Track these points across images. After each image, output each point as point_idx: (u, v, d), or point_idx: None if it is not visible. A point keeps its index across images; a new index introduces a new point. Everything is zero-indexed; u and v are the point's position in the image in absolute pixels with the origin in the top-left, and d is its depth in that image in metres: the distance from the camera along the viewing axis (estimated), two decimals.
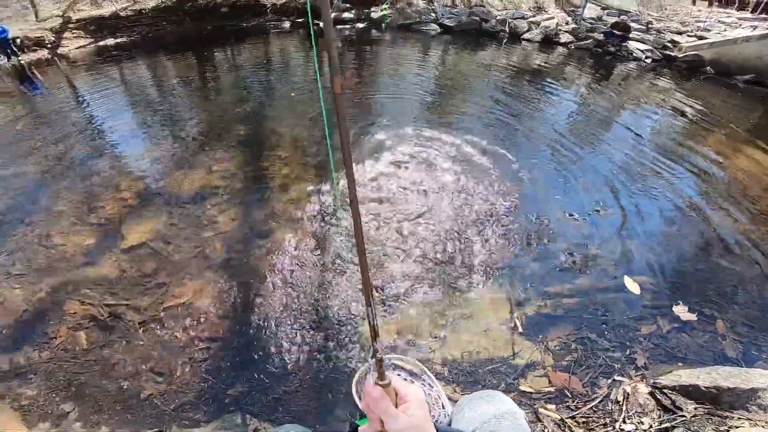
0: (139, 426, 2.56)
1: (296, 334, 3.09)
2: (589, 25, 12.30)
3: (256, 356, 2.94)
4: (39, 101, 8.76)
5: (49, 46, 12.39)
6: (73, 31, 13.08)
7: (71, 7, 13.72)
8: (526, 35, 12.34)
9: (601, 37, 11.69)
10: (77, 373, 2.89)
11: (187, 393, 2.72)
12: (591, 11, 13.37)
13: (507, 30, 12.67)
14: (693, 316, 3.26)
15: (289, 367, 2.87)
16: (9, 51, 11.49)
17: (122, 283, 3.51)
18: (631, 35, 11.47)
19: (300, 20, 13.71)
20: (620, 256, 3.88)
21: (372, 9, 13.51)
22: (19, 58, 11.62)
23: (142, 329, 3.12)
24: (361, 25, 13.12)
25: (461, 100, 7.38)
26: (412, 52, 10.73)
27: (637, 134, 6.38)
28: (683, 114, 7.37)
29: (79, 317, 3.24)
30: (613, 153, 5.78)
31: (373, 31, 12.77)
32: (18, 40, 11.77)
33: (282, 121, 6.36)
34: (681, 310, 3.31)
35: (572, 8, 13.93)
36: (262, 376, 2.82)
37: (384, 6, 13.61)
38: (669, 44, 11.20)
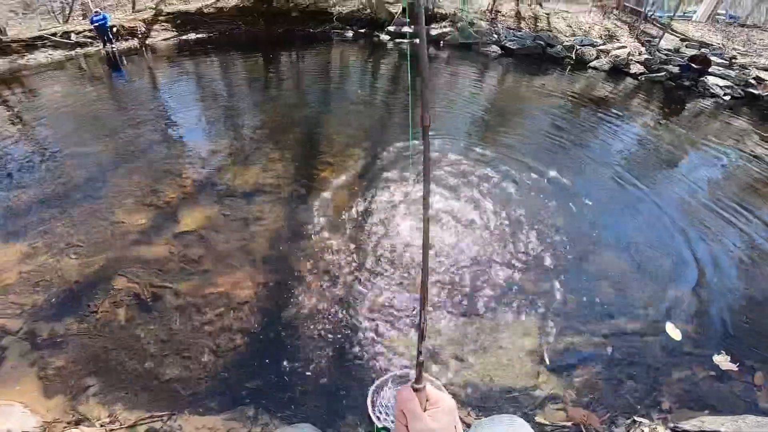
0: (153, 407, 2.70)
1: (322, 337, 3.17)
2: (664, 57, 11.59)
3: (279, 354, 3.05)
4: (122, 87, 9.73)
5: (139, 36, 13.71)
6: (162, 24, 14.39)
7: (163, 1, 15.12)
8: (594, 63, 11.85)
9: (676, 69, 10.97)
10: (108, 348, 3.09)
11: (207, 381, 2.87)
12: (668, 42, 12.59)
13: (573, 56, 12.25)
14: (734, 367, 3.13)
15: (309, 368, 2.95)
16: (106, 38, 12.81)
17: (169, 266, 3.78)
18: (710, 69, 10.67)
19: (362, 31, 14.16)
20: (666, 301, 3.70)
21: (432, 26, 13.65)
22: (113, 45, 12.95)
23: (178, 313, 3.33)
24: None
25: (516, 124, 7.23)
26: (469, 72, 10.68)
27: (705, 176, 5.94)
28: (759, 158, 6.75)
29: (123, 293, 3.51)
30: (675, 193, 5.42)
31: (431, 48, 12.82)
32: (114, 29, 13.11)
33: (336, 128, 6.57)
34: (722, 360, 3.19)
35: (648, 38, 13.19)
36: (282, 373, 2.91)
37: (444, 24, 13.68)
38: (753, 81, 10.28)
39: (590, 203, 4.97)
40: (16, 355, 3.04)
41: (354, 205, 4.62)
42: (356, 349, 3.09)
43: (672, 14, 13.21)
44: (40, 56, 12.27)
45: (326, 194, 4.80)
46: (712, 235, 4.61)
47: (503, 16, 14.36)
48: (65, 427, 2.59)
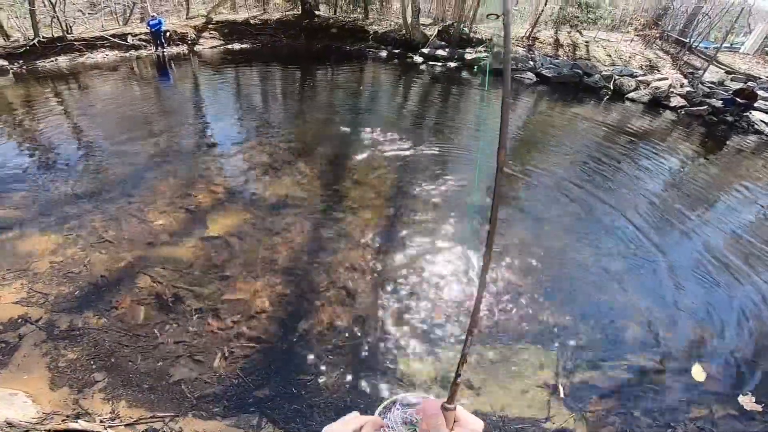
0: (157, 407, 2.76)
1: (334, 353, 3.19)
2: (707, 90, 11.18)
3: (290, 365, 3.08)
4: (166, 91, 10.33)
5: (189, 42, 14.56)
6: (211, 32, 15.22)
7: (214, 9, 16.02)
8: (632, 94, 11.58)
9: (718, 103, 10.54)
10: (122, 345, 3.18)
11: (215, 385, 2.93)
12: (712, 75, 12.16)
13: (611, 87, 12.02)
14: (758, 407, 3.06)
15: (318, 382, 2.97)
16: (159, 42, 13.59)
17: (193, 268, 3.92)
18: (756, 104, 10.20)
19: (396, 51, 14.46)
20: (692, 340, 3.60)
21: (467, 50, 13.75)
22: (165, 50, 13.75)
23: (196, 316, 3.43)
24: (453, 64, 13.40)
25: (544, 155, 7.14)
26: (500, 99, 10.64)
27: (743, 218, 5.66)
28: None
29: (146, 292, 3.66)
30: (709, 234, 5.19)
31: (465, 72, 12.92)
32: (167, 33, 13.93)
33: (367, 147, 6.66)
34: (746, 401, 3.12)
35: (691, 70, 12.79)
36: (290, 385, 2.94)
37: (479, 48, 13.77)
38: None
39: (617, 240, 4.83)
40: (31, 344, 3.13)
41: (379, 227, 4.66)
42: (367, 368, 3.10)
43: (718, 46, 12.77)
44: (98, 56, 13.20)
45: (352, 213, 4.87)
46: (744, 279, 4.38)
47: (541, 42, 14.33)
48: (64, 419, 2.61)
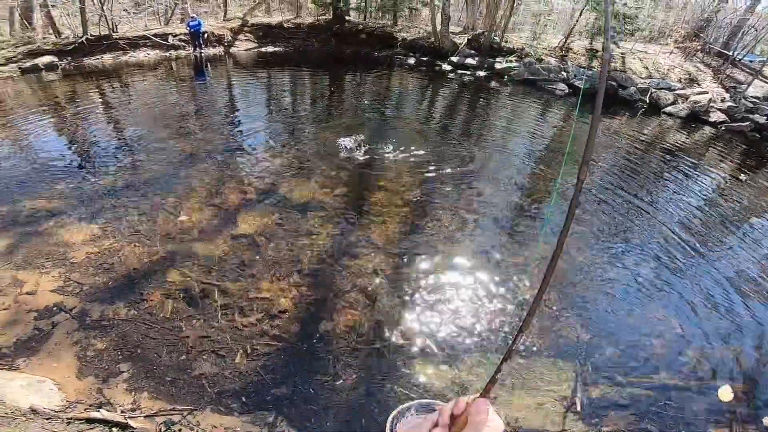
0: (177, 400, 2.82)
1: (353, 356, 3.21)
2: (751, 105, 10.66)
3: (309, 366, 3.11)
4: (202, 91, 10.70)
5: (225, 44, 15.02)
6: (246, 34, 15.68)
7: (250, 12, 16.52)
8: (669, 108, 11.16)
9: (762, 119, 10.04)
10: (149, 337, 3.28)
11: (235, 381, 2.98)
12: (757, 89, 11.58)
13: (647, 100, 11.64)
14: None
15: (336, 384, 2.99)
16: (197, 43, 14.07)
17: (221, 265, 4.02)
18: None
19: (424, 58, 14.40)
20: (721, 362, 3.46)
21: (497, 59, 13.58)
22: (202, 50, 14.22)
23: (221, 312, 3.51)
24: (482, 73, 13.24)
25: (571, 169, 6.94)
26: (531, 109, 10.47)
27: None
28: None
29: (175, 287, 3.77)
30: (745, 256, 4.95)
31: (494, 82, 12.75)
32: (206, 34, 14.41)
33: (394, 153, 6.64)
34: None
35: (733, 84, 12.23)
36: (308, 385, 2.97)
37: (510, 58, 13.58)
38: None
39: (648, 257, 4.67)
40: (63, 332, 3.25)
41: (403, 235, 4.65)
42: (384, 372, 3.10)
43: (765, 59, 12.17)
44: (140, 54, 13.80)
45: (376, 219, 4.88)
46: None
47: (574, 53, 14.03)
48: (86, 408, 2.68)
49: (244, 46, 15.32)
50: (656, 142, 8.88)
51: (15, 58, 12.17)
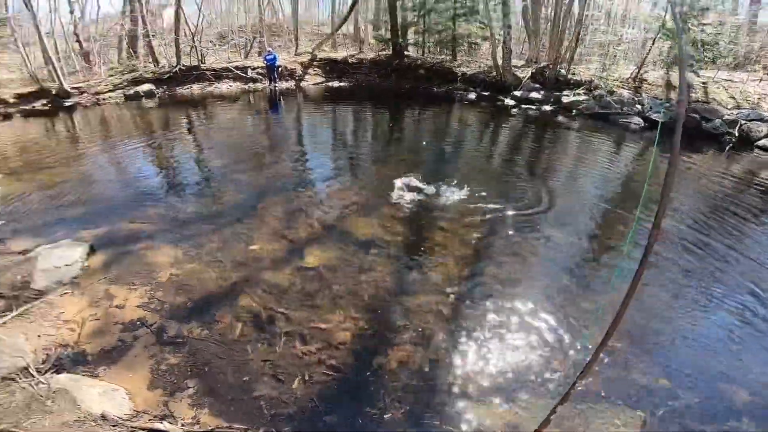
0: (235, 419, 2.91)
1: (404, 392, 3.17)
2: None
3: (361, 398, 3.11)
4: (276, 124, 11.55)
5: (296, 78, 16.14)
6: (314, 69, 16.74)
7: (318, 47, 17.65)
8: (763, 141, 9.98)
9: None
10: (217, 356, 3.45)
11: (290, 405, 3.03)
12: None
13: (735, 133, 10.59)
14: None
15: (384, 418, 2.95)
16: (272, 76, 15.21)
17: (287, 294, 4.19)
18: None
19: (485, 93, 14.24)
20: None
21: (564, 92, 13.11)
22: (277, 84, 15.37)
23: (285, 338, 3.63)
24: (548, 108, 12.76)
25: (651, 212, 6.36)
26: (603, 145, 9.87)
27: None
28: None
29: (245, 311, 3.96)
30: None
31: (561, 116, 12.22)
32: (280, 68, 15.57)
33: (453, 194, 6.48)
34: None
35: None
36: (358, 416, 2.97)
37: (578, 91, 13.08)
38: None
39: (734, 303, 4.21)
40: (142, 345, 3.51)
41: (462, 277, 4.54)
42: (434, 411, 3.03)
43: None
44: (224, 86, 15.27)
45: (436, 259, 4.82)
46: None
47: (649, 84, 13.24)
48: (150, 419, 2.83)
49: (312, 81, 16.33)
50: (749, 179, 7.92)
51: (121, 85, 14.05)
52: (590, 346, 3.56)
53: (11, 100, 12.17)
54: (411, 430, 2.90)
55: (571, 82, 13.59)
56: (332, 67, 16.84)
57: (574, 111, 12.32)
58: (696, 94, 12.68)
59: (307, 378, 3.25)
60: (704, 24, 12.85)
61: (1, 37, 18.48)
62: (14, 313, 3.77)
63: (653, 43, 13.73)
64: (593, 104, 12.28)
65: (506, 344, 3.65)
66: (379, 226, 5.48)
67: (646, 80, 13.48)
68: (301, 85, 16.00)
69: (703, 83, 12.86)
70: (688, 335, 3.83)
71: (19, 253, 4.68)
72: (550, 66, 14.02)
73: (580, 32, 13.80)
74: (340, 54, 18.12)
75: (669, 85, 13.03)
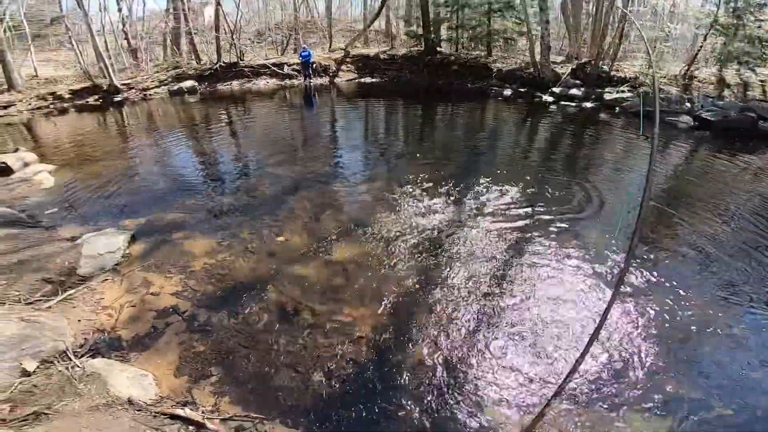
0: (253, 408, 2.94)
1: (421, 390, 3.13)
2: None
3: (378, 393, 3.09)
4: (309, 120, 11.72)
5: (330, 74, 16.30)
6: (347, 65, 16.82)
7: (351, 43, 17.74)
8: None
9: None
10: (242, 345, 3.50)
11: (308, 397, 3.05)
12: None
13: None
14: None
15: (399, 414, 2.93)
16: (307, 73, 15.45)
17: (314, 288, 4.22)
18: None
19: (522, 90, 13.75)
20: None
21: (606, 89, 12.43)
22: (311, 80, 15.58)
23: (308, 330, 3.65)
24: (589, 105, 12.16)
25: (702, 213, 5.86)
26: (649, 145, 9.34)
27: None
28: None
29: (272, 302, 4.02)
30: None
31: (602, 114, 11.61)
32: (314, 65, 15.79)
33: (482, 194, 6.30)
34: None
35: None
36: (374, 412, 2.94)
37: (621, 88, 12.39)
38: None
39: None
40: (173, 332, 3.60)
41: (491, 276, 4.43)
42: (451, 409, 2.98)
43: None
44: (261, 83, 15.66)
45: (462, 258, 4.73)
46: None
47: (700, 82, 12.39)
48: (173, 405, 2.88)
49: (345, 77, 16.44)
50: None
51: (166, 81, 14.74)
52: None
53: (66, 96, 13.06)
54: (428, 429, 2.87)
55: (615, 78, 12.94)
56: (365, 64, 16.89)
57: (617, 109, 11.71)
58: (753, 92, 11.76)
59: (326, 371, 3.27)
60: (761, 20, 11.89)
61: (57, 35, 19.89)
62: (59, 297, 3.97)
63: (705, 39, 12.85)
64: (638, 102, 11.64)
65: (526, 348, 3.53)
66: (405, 225, 5.41)
67: (696, 77, 12.65)
68: (334, 81, 16.15)
69: (761, 81, 11.92)
70: (723, 343, 3.58)
71: (68, 239, 4.97)
72: (592, 62, 13.42)
73: (624, 27, 13.11)
74: (372, 50, 18.15)
75: (722, 83, 12.15)
